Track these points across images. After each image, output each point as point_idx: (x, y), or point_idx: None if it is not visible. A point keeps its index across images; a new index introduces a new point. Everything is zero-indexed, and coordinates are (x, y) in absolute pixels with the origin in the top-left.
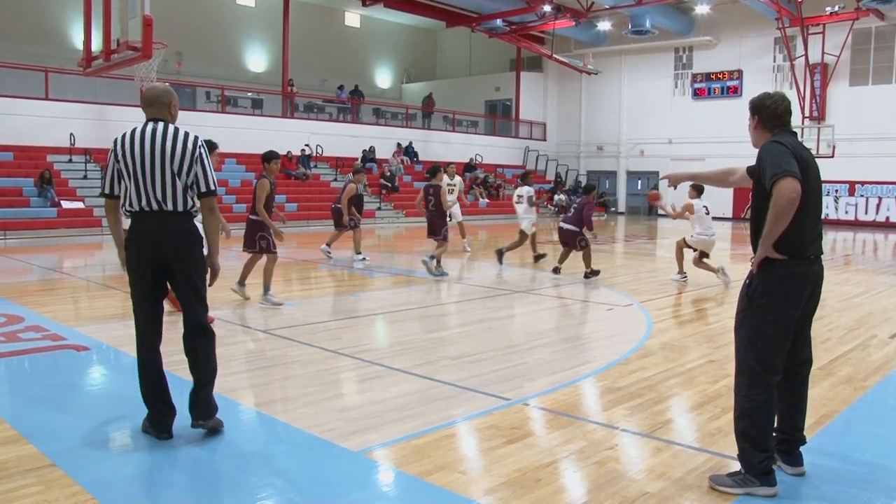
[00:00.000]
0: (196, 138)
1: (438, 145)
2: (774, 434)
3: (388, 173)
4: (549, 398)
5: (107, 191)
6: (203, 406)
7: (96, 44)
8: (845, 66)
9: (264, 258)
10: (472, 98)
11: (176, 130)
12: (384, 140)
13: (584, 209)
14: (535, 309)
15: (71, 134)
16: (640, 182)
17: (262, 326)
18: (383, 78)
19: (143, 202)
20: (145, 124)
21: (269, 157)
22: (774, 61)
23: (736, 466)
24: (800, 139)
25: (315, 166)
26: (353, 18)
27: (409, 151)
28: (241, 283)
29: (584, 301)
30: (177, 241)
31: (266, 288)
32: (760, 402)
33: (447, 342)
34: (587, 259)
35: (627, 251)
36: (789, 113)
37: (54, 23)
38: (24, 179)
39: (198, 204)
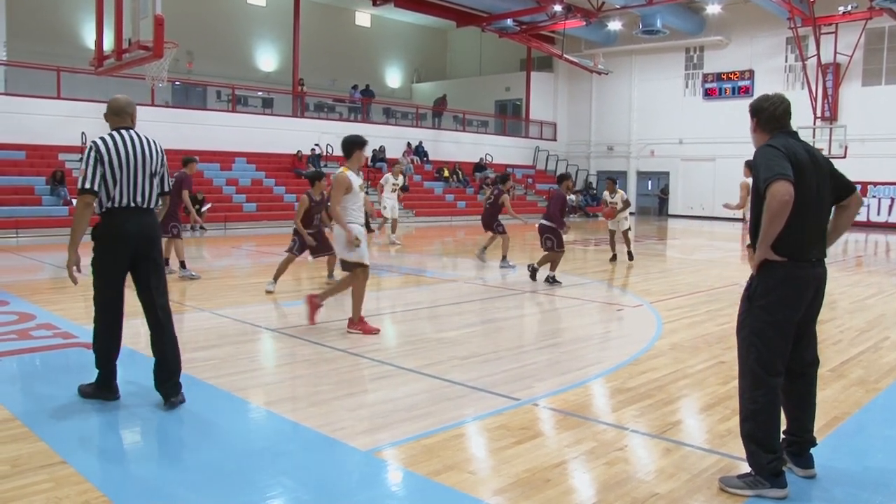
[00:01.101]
0: (160, 145)
1: (449, 145)
2: (784, 436)
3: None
4: (558, 398)
5: (96, 188)
6: (177, 384)
7: (108, 43)
8: (858, 66)
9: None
10: (483, 98)
11: (148, 138)
12: (394, 140)
13: (552, 203)
14: (545, 309)
15: (83, 133)
16: (650, 182)
17: (272, 325)
18: (393, 77)
19: (127, 200)
20: (119, 132)
21: (316, 176)
22: (786, 61)
23: (746, 468)
24: (811, 139)
25: (325, 166)
26: (363, 18)
27: (419, 151)
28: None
29: (593, 301)
30: (152, 232)
31: (276, 278)
32: (763, 404)
33: (457, 342)
34: (551, 260)
35: (638, 251)
36: (788, 114)
37: (66, 22)
38: (36, 178)
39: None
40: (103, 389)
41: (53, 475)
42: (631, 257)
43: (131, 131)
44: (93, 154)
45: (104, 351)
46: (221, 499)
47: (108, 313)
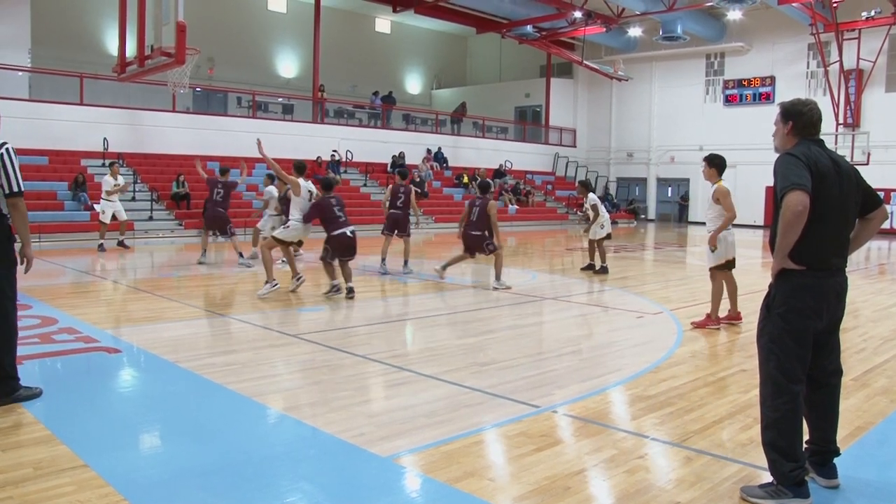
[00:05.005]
0: None
1: (468, 151)
2: (806, 446)
3: (418, 179)
4: (578, 406)
5: None
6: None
7: (130, 50)
8: (881, 72)
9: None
10: (502, 104)
11: None
12: (414, 146)
13: (484, 211)
14: (564, 316)
15: (104, 139)
16: (670, 189)
17: (291, 331)
18: (413, 84)
19: None
20: None
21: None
22: (808, 67)
23: (768, 477)
24: (834, 146)
25: (345, 171)
26: (383, 24)
27: (438, 157)
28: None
29: (613, 308)
30: None
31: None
32: (785, 412)
33: (476, 348)
34: (498, 266)
35: (657, 258)
36: (821, 121)
37: (90, 29)
38: (58, 183)
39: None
40: None
41: (75, 478)
42: (593, 268)
43: None
44: None
45: None
46: None
47: None
